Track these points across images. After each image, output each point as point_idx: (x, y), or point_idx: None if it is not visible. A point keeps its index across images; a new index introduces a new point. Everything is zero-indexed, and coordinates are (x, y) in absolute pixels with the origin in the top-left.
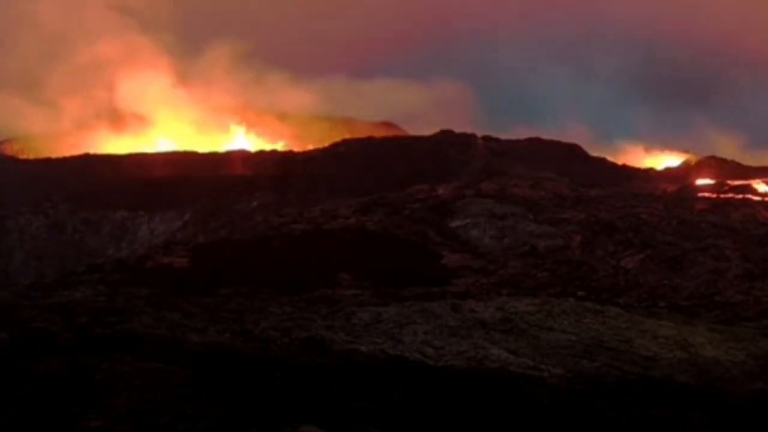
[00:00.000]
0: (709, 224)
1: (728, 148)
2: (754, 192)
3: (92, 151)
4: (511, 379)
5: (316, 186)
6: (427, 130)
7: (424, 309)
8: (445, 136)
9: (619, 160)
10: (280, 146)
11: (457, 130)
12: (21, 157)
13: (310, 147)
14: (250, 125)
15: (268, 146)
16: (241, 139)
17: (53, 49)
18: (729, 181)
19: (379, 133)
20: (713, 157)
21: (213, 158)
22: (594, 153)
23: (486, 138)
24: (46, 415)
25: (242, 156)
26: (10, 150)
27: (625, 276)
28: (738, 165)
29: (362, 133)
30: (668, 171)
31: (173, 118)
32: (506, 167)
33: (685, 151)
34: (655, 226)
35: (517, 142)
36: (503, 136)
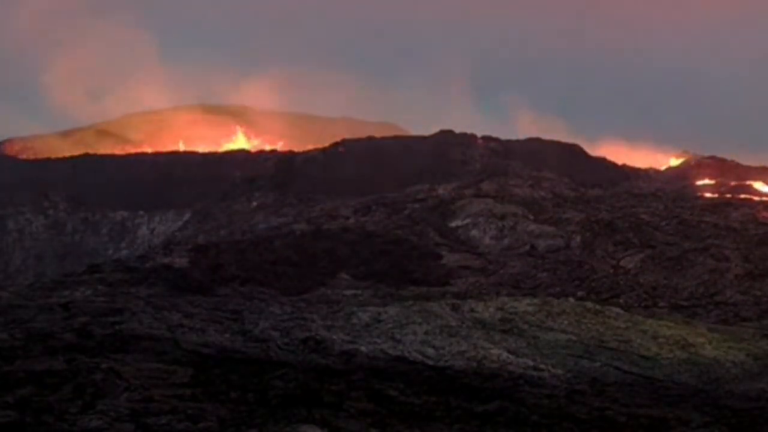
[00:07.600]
0: (709, 224)
1: None
2: (754, 192)
3: (92, 151)
4: (511, 379)
5: (316, 186)
6: (427, 130)
7: (424, 309)
8: (445, 136)
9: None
10: (280, 146)
11: (457, 130)
12: (21, 157)
13: (310, 147)
14: (250, 125)
15: (268, 146)
16: (241, 139)
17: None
18: (729, 182)
19: (379, 133)
20: (713, 157)
21: (213, 158)
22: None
23: (486, 138)
24: (46, 415)
25: (242, 156)
26: (10, 150)
27: (625, 276)
28: (738, 165)
29: (362, 133)
30: (668, 171)
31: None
32: (506, 167)
33: (685, 151)
34: (655, 226)
35: (517, 142)
36: (503, 136)
